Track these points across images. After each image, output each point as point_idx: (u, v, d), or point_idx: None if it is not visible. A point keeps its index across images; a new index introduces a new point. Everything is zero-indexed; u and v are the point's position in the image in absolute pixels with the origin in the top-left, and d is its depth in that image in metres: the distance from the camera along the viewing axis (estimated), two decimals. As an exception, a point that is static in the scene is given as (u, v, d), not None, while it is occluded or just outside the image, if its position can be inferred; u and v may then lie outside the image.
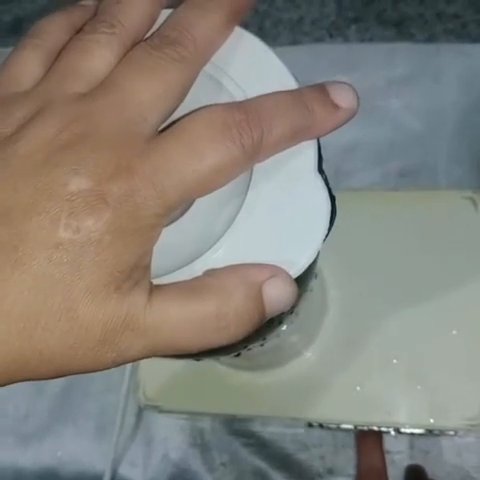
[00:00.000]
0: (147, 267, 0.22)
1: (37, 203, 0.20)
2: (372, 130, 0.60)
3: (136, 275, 0.21)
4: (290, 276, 0.23)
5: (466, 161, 0.57)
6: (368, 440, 0.50)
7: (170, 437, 0.55)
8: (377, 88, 0.60)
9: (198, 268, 0.23)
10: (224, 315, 0.22)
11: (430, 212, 0.50)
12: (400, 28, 0.63)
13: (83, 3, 0.26)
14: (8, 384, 0.21)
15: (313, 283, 0.36)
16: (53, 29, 0.25)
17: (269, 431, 0.54)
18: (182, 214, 0.25)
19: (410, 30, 0.62)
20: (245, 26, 0.26)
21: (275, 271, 0.23)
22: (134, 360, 0.22)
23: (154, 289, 0.22)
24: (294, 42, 0.63)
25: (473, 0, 0.62)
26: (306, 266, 0.23)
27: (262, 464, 0.53)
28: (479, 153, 0.55)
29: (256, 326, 0.23)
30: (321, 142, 0.25)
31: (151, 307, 0.21)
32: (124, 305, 0.21)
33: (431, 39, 0.62)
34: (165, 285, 0.22)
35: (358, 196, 0.54)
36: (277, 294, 0.23)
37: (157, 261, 0.23)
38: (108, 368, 0.22)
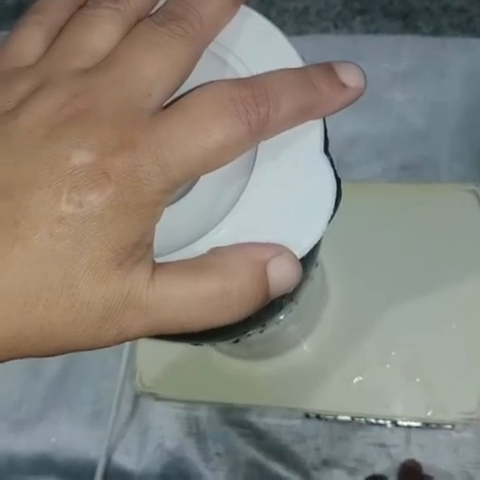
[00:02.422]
0: (150, 245, 0.22)
1: (39, 177, 0.20)
2: (375, 123, 0.59)
3: (139, 252, 0.21)
4: (295, 256, 0.23)
5: (468, 156, 0.57)
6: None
7: (166, 426, 0.55)
8: (381, 81, 0.60)
9: (201, 247, 0.23)
10: (228, 293, 0.22)
11: (432, 205, 0.50)
12: (406, 21, 0.62)
13: None
14: (8, 360, 0.21)
15: (314, 272, 0.36)
16: (56, 5, 0.24)
17: (265, 422, 0.54)
18: (186, 193, 0.24)
19: (416, 23, 0.62)
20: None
21: (280, 250, 0.23)
22: (136, 338, 0.22)
23: (157, 267, 0.22)
24: (299, 32, 0.63)
25: (479, -6, 0.62)
26: (311, 247, 0.23)
27: (257, 455, 0.53)
28: (482, 148, 0.54)
29: (260, 306, 0.23)
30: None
31: (154, 285, 0.21)
32: (126, 282, 0.21)
33: (437, 32, 0.62)
34: (168, 263, 0.22)
35: (360, 188, 0.54)
36: (282, 273, 0.23)
37: (160, 240, 0.22)
38: (109, 345, 0.21)
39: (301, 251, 0.23)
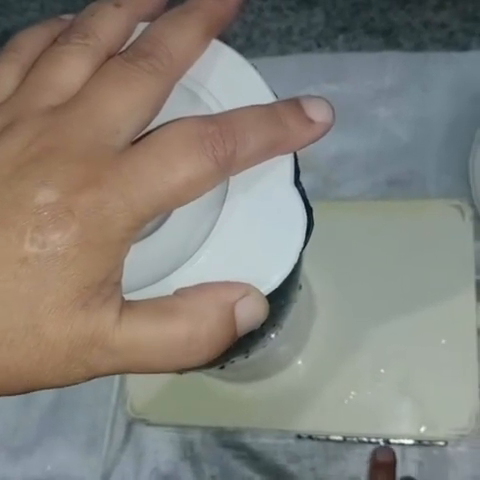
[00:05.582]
0: (117, 283, 0.22)
1: (4, 217, 0.20)
2: (361, 139, 0.60)
3: (105, 291, 0.21)
4: (262, 294, 0.23)
5: (455, 170, 0.57)
6: (382, 471, 0.49)
7: (160, 450, 0.55)
8: (365, 97, 0.60)
9: (172, 283, 0.23)
10: (196, 339, 0.22)
11: (418, 221, 0.50)
12: (388, 37, 0.63)
13: (62, 17, 0.26)
14: None
15: (298, 294, 0.36)
16: (30, 42, 0.24)
17: (260, 443, 0.53)
18: (158, 228, 0.24)
19: (398, 39, 0.62)
20: (233, 36, 0.26)
21: (247, 290, 0.23)
22: (106, 375, 0.22)
23: (125, 307, 0.21)
24: (282, 52, 0.63)
25: (460, 9, 0.62)
26: (281, 281, 0.23)
27: (254, 476, 0.53)
28: (468, 162, 0.54)
29: (227, 347, 0.23)
30: (309, 151, 0.24)
31: (120, 327, 0.21)
32: (92, 322, 0.20)
33: (419, 48, 0.62)
34: (136, 302, 0.22)
35: (346, 205, 0.54)
36: (249, 314, 0.23)
37: (131, 275, 0.22)
38: (79, 383, 0.21)
39: (271, 286, 0.23)
